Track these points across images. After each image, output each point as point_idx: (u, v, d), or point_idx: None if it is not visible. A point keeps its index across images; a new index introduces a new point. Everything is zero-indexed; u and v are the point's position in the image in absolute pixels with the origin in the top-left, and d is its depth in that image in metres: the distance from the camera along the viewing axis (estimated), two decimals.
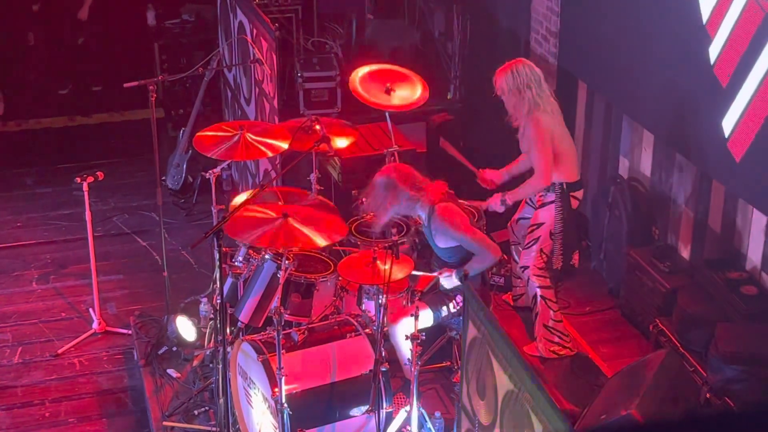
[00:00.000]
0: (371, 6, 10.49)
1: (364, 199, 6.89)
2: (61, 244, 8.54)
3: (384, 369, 5.67)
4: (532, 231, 6.79)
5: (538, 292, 6.82)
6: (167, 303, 7.19)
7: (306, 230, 5.62)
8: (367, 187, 6.09)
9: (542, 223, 6.72)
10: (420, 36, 10.42)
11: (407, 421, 5.81)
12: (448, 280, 6.06)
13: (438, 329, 6.32)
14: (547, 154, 6.50)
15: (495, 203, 6.71)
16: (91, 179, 7.11)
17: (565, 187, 6.65)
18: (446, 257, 6.13)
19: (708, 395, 6.01)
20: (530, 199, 6.89)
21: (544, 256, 6.76)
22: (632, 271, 7.13)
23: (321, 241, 5.66)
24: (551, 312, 6.84)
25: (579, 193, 6.77)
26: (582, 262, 7.23)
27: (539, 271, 6.79)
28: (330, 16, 10.35)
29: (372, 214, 6.09)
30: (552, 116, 6.58)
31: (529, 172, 6.79)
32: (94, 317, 7.42)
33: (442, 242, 6.05)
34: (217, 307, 5.86)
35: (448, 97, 9.78)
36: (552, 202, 6.68)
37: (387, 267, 5.60)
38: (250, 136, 6.26)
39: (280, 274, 5.96)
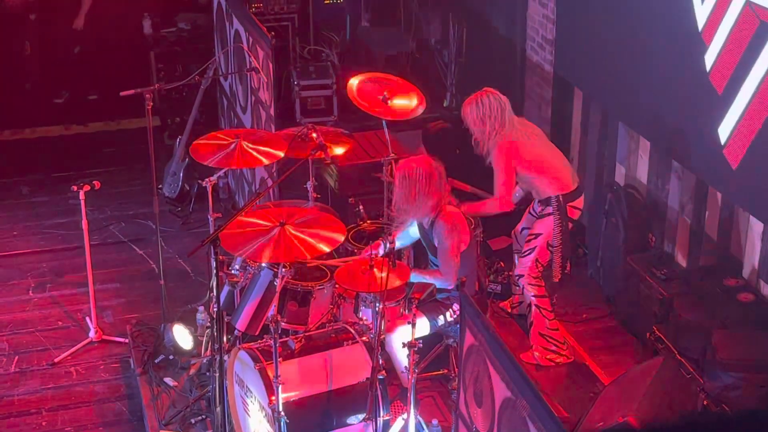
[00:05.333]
0: (367, 14, 10.52)
1: (361, 207, 6.91)
2: (58, 253, 8.52)
3: (381, 377, 5.67)
4: (529, 240, 6.80)
5: (533, 300, 6.83)
6: (164, 311, 7.18)
7: (304, 238, 5.59)
8: (402, 178, 6.02)
9: (540, 234, 6.74)
10: (416, 44, 10.45)
11: (405, 429, 5.80)
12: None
13: (435, 337, 6.32)
14: (508, 180, 6.57)
15: None
16: (87, 188, 7.10)
17: (561, 199, 6.66)
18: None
19: (705, 402, 6.01)
20: (533, 209, 6.92)
21: (539, 266, 6.78)
22: (629, 278, 7.13)
23: (323, 247, 5.61)
24: (546, 320, 6.84)
25: (579, 202, 6.76)
26: (579, 269, 7.23)
27: (534, 280, 6.80)
28: (326, 25, 10.37)
29: (402, 207, 6.07)
30: (526, 140, 6.61)
31: (524, 200, 6.90)
32: (90, 326, 7.41)
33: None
34: (214, 316, 5.86)
35: (444, 104, 9.80)
36: (550, 214, 6.69)
37: (384, 275, 5.60)
38: (246, 145, 6.26)
39: (277, 282, 5.96)
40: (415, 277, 6.07)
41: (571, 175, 6.77)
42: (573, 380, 6.82)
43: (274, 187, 7.13)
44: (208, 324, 6.70)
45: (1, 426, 6.69)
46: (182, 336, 6.95)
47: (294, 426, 5.59)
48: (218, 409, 5.85)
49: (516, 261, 7.13)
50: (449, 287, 6.09)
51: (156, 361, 6.97)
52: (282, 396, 5.56)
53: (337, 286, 6.23)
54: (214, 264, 5.58)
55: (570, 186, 6.71)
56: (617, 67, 7.52)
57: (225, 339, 6.09)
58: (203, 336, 6.86)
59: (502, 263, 7.66)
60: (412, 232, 6.31)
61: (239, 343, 6.19)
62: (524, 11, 8.76)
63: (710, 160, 6.57)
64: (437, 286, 6.18)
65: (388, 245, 5.99)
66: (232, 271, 6.40)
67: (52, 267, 8.35)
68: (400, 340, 5.79)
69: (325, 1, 10.27)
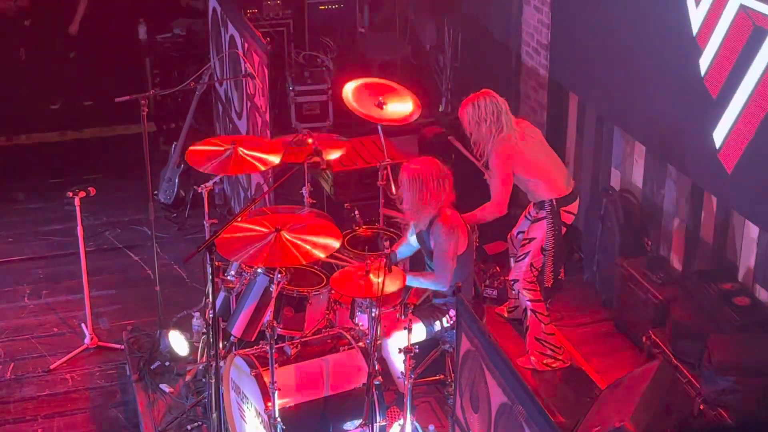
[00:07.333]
0: (363, 19, 10.52)
1: (357, 212, 6.90)
2: (53, 260, 8.51)
3: (377, 382, 5.66)
4: (524, 245, 6.80)
5: (529, 305, 6.83)
6: (159, 318, 7.18)
7: (300, 243, 5.58)
8: (412, 181, 6.06)
9: (534, 238, 6.74)
10: (411, 49, 10.45)
11: None
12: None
13: (431, 342, 6.32)
14: (505, 185, 6.57)
15: None
16: (83, 194, 7.09)
17: (555, 203, 6.66)
18: None
19: (701, 406, 6.02)
20: (528, 213, 6.92)
21: (534, 270, 6.78)
22: (625, 282, 7.14)
23: (318, 254, 5.61)
24: (542, 325, 6.84)
25: (573, 207, 6.77)
26: (574, 273, 7.24)
27: (529, 285, 6.80)
28: (321, 30, 10.37)
29: (409, 208, 6.10)
30: (523, 142, 6.60)
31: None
32: (86, 332, 7.40)
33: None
34: (210, 322, 5.86)
35: (440, 109, 9.80)
36: (544, 218, 6.69)
37: (380, 280, 5.60)
38: (242, 151, 6.27)
39: (273, 288, 5.96)
40: (411, 280, 6.06)
41: (566, 179, 6.77)
42: (569, 385, 6.82)
43: (270, 193, 7.13)
44: (204, 330, 6.69)
45: None
46: (178, 342, 6.95)
47: None
48: (214, 415, 5.84)
49: (512, 265, 7.13)
50: (443, 290, 6.09)
51: (152, 367, 6.96)
52: (278, 402, 5.55)
53: (333, 291, 6.23)
54: (209, 270, 5.57)
55: (564, 190, 6.71)
56: (612, 71, 7.53)
57: (221, 345, 6.08)
58: (199, 342, 6.85)
59: (498, 268, 7.66)
60: (413, 240, 6.31)
61: (235, 349, 6.18)
62: (519, 16, 8.77)
63: (705, 164, 6.58)
64: (432, 289, 6.18)
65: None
66: (228, 277, 6.39)
67: (47, 273, 8.34)
68: (397, 345, 5.78)
69: (321, 7, 10.27)
